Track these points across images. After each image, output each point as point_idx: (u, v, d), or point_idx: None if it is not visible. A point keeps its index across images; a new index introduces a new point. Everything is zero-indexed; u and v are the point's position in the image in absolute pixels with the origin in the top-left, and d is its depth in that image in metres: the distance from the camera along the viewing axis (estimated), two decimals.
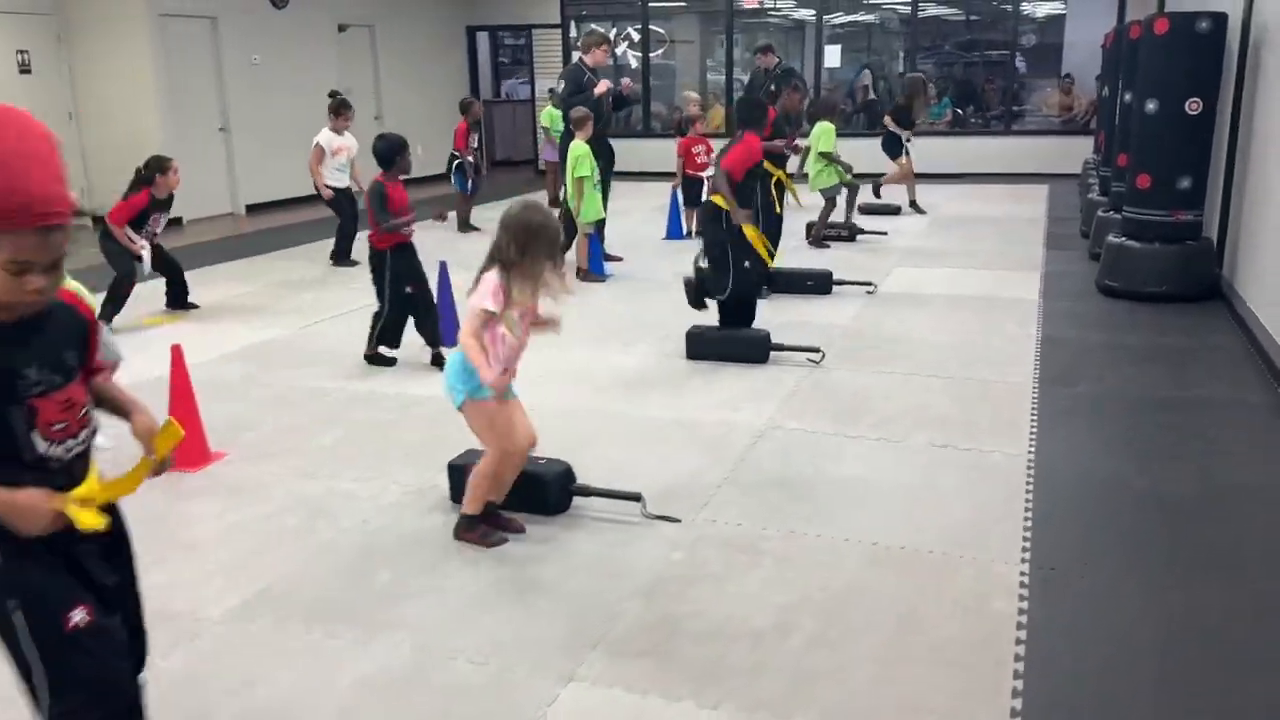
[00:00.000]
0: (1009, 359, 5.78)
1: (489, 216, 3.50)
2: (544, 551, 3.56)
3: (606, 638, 3.00)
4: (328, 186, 8.86)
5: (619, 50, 16.22)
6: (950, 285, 7.74)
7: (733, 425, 4.79)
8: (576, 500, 3.88)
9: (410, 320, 5.82)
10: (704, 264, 6.10)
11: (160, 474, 2.06)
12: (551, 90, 12.05)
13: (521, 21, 16.98)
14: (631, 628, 3.06)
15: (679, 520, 3.75)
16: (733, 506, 3.90)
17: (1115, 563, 3.45)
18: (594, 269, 8.24)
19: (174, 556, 3.60)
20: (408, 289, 5.69)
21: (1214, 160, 7.16)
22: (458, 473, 3.83)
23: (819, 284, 7.51)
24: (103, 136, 11.52)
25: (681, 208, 10.08)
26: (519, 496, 3.77)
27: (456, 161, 10.60)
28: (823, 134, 9.15)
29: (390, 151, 5.62)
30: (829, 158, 9.15)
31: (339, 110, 8.92)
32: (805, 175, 9.30)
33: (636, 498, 3.80)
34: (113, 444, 4.05)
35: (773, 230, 7.41)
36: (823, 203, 9.41)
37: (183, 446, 4.36)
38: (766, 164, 6.61)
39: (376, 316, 5.81)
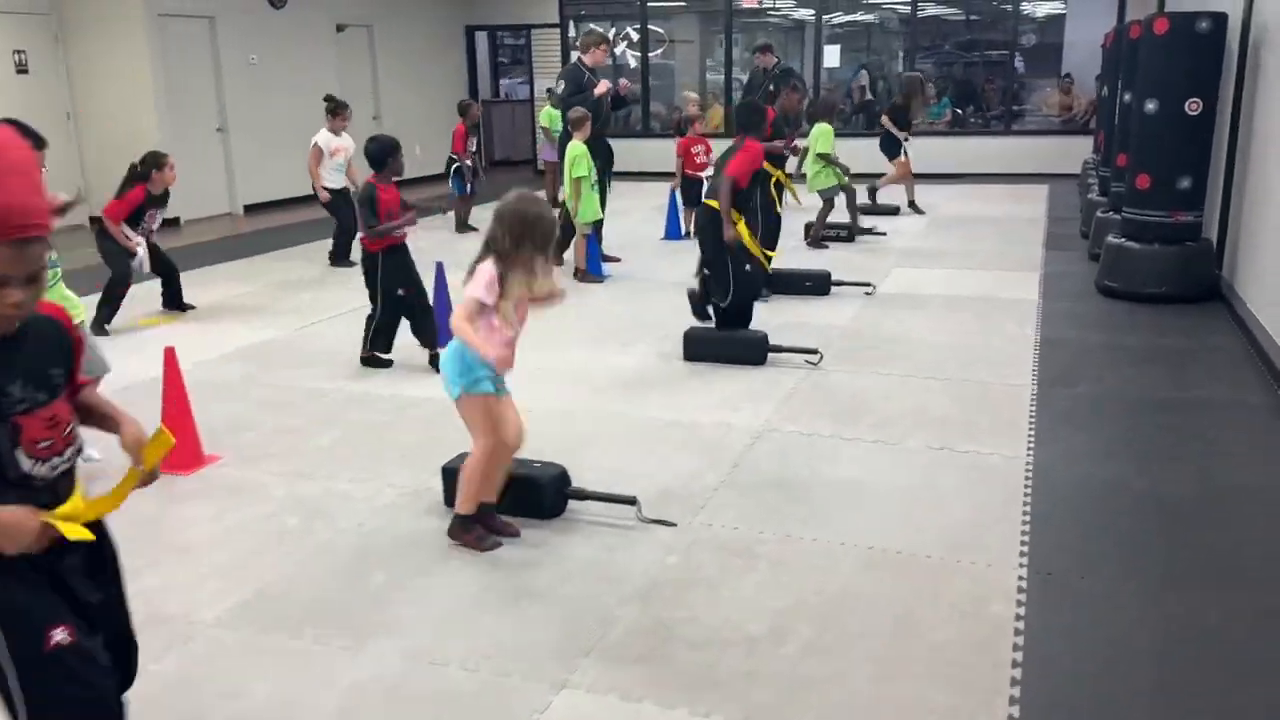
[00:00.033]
0: (1008, 360, 5.76)
1: (487, 217, 3.48)
2: (538, 556, 3.54)
3: (600, 644, 2.98)
4: (324, 188, 8.84)
5: (618, 50, 16.19)
6: (949, 286, 7.72)
7: (730, 427, 4.76)
8: (572, 504, 3.86)
9: (406, 323, 5.80)
10: (706, 272, 6.07)
11: (148, 484, 2.04)
12: (550, 90, 12.03)
13: (520, 21, 16.95)
14: (626, 634, 3.03)
15: (674, 524, 3.73)
16: (729, 509, 3.88)
17: (1114, 566, 3.43)
18: (592, 270, 8.22)
19: (167, 559, 3.58)
20: (400, 292, 5.67)
21: (1214, 161, 7.14)
22: (452, 476, 3.81)
23: (817, 285, 7.49)
24: (100, 137, 11.51)
25: (680, 208, 10.06)
26: (514, 500, 3.75)
27: (455, 165, 10.57)
28: (821, 135, 9.13)
29: (382, 153, 5.59)
30: (827, 159, 9.13)
31: (336, 110, 8.90)
32: (803, 175, 9.28)
33: (632, 501, 3.78)
34: (102, 456, 4.06)
35: (771, 230, 7.39)
36: (821, 203, 9.39)
37: (176, 449, 4.37)
38: (766, 165, 6.59)
39: (370, 319, 5.79)
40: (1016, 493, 3.99)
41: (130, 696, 2.17)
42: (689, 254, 6.65)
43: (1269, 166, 6.26)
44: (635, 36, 16.23)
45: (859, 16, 16.15)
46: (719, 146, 6.66)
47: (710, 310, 6.11)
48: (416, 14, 15.71)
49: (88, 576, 1.99)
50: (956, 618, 3.10)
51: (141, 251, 6.82)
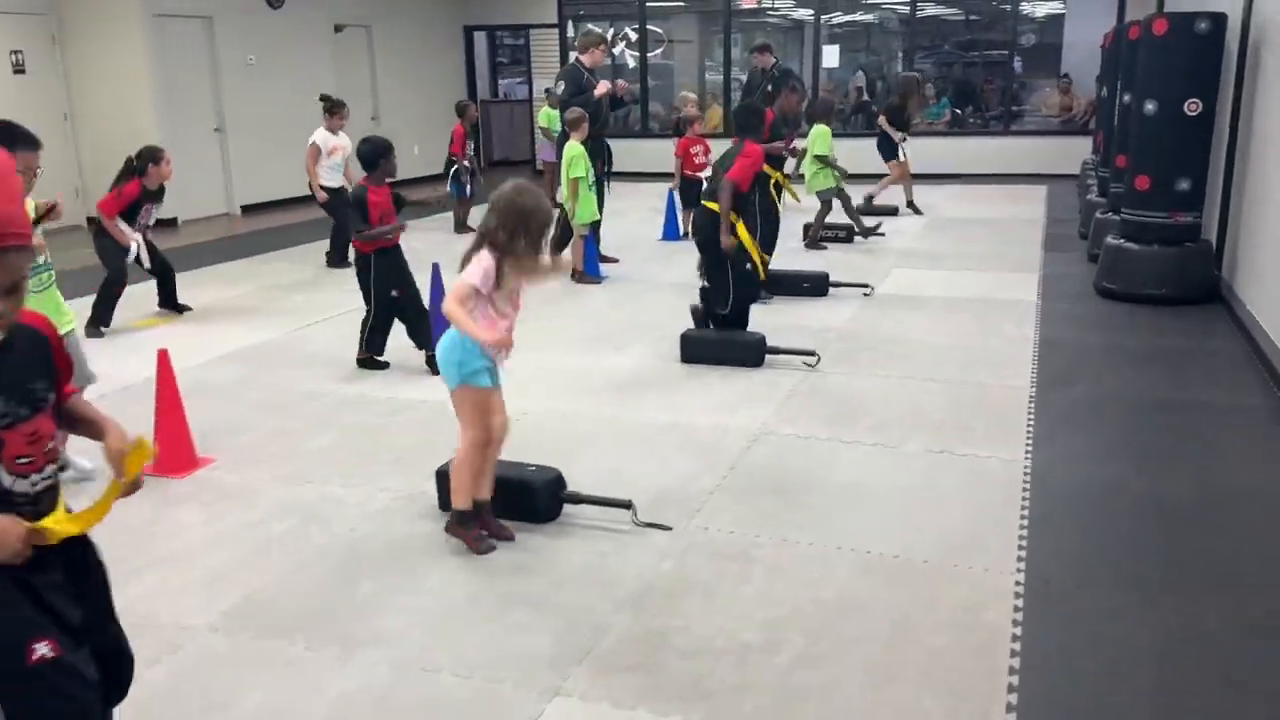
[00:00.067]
0: (1006, 362, 5.74)
1: None
2: (532, 561, 3.51)
3: (594, 651, 2.95)
4: (322, 188, 8.81)
5: (616, 50, 16.16)
6: (948, 287, 7.69)
7: (727, 430, 4.74)
8: (567, 507, 3.83)
9: (401, 326, 5.77)
10: (705, 283, 6.05)
11: (131, 494, 2.01)
12: (548, 90, 12.00)
13: (519, 21, 16.93)
14: (619, 641, 3.01)
15: (670, 528, 3.71)
16: (725, 513, 3.86)
17: (1112, 571, 3.41)
18: (589, 271, 8.19)
19: (158, 565, 3.55)
20: (393, 293, 5.64)
21: (1213, 162, 7.11)
22: (446, 480, 3.78)
23: (815, 286, 7.47)
24: (98, 137, 11.48)
25: (679, 209, 10.03)
26: (509, 504, 3.73)
27: (454, 167, 10.54)
28: (819, 137, 9.10)
29: (374, 154, 5.56)
30: (824, 161, 9.10)
31: (333, 109, 8.87)
32: (801, 176, 9.25)
33: (627, 505, 3.75)
34: (93, 465, 4.03)
35: (770, 235, 7.35)
36: (819, 204, 9.36)
37: (169, 452, 4.37)
38: (765, 166, 6.55)
39: (365, 321, 5.77)
40: (1014, 496, 3.96)
41: (121, 706, 2.15)
42: (687, 255, 6.63)
43: (1268, 167, 6.24)
44: (634, 37, 16.20)
45: (858, 16, 16.13)
46: (718, 147, 6.63)
47: (710, 323, 6.08)
48: (415, 14, 15.68)
49: (70, 589, 1.96)
50: (953, 624, 3.07)
51: (136, 246, 6.78)
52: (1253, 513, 3.88)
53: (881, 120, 11.27)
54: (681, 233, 9.93)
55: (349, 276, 5.89)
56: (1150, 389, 5.31)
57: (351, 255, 6.03)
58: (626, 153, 11.89)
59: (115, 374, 5.75)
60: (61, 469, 1.95)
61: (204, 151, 12.19)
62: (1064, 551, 3.54)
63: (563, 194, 8.14)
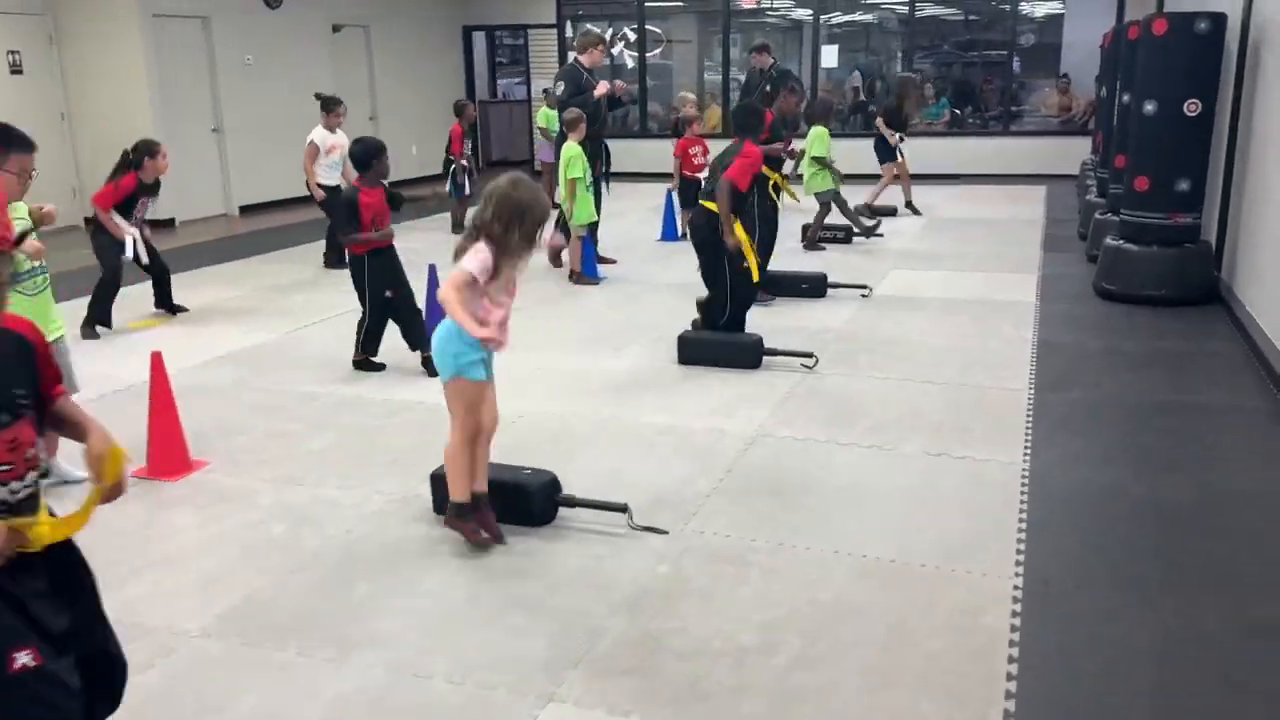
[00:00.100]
0: (1005, 363, 5.72)
1: None
2: (527, 565, 3.49)
3: (589, 656, 2.93)
4: (320, 186, 8.78)
5: (615, 50, 16.14)
6: (946, 288, 7.68)
7: (724, 432, 4.72)
8: (562, 511, 3.81)
9: (396, 326, 5.75)
10: (705, 288, 6.04)
11: (112, 500, 1.99)
12: (546, 90, 11.98)
13: (517, 21, 16.91)
14: (614, 645, 2.99)
15: (666, 532, 3.69)
16: (721, 516, 3.84)
17: (1110, 574, 3.39)
18: (587, 272, 8.17)
19: (151, 569, 3.53)
20: (387, 293, 5.63)
21: (1213, 162, 7.09)
22: (441, 483, 3.76)
23: (814, 287, 7.45)
24: (95, 137, 11.45)
25: (678, 210, 10.00)
26: (504, 507, 3.71)
27: (452, 167, 10.51)
28: (817, 138, 9.07)
29: (367, 155, 5.53)
30: (822, 163, 9.08)
31: (329, 107, 8.84)
32: (800, 177, 9.23)
33: (623, 508, 3.73)
34: (83, 472, 4.01)
35: (768, 239, 7.30)
36: (818, 205, 9.34)
37: (163, 455, 4.35)
38: (763, 168, 6.52)
39: (360, 322, 5.74)
40: (1013, 499, 3.94)
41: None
42: (685, 256, 6.60)
43: (1268, 168, 6.22)
44: (633, 37, 16.18)
45: (857, 17, 16.10)
46: (716, 148, 6.60)
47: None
48: (413, 14, 15.66)
49: (55, 596, 1.94)
50: (951, 627, 3.05)
51: (132, 241, 6.74)
52: (1253, 515, 3.86)
53: (879, 122, 11.25)
54: (680, 233, 9.90)
55: (345, 278, 5.87)
56: (1149, 391, 5.29)
57: (347, 256, 6.00)
58: (625, 153, 11.87)
59: (112, 375, 5.75)
60: (43, 475, 1.93)
61: (202, 152, 12.17)
62: (1062, 554, 3.52)
63: (560, 195, 8.12)
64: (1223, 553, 3.55)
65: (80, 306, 6.70)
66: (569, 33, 16.04)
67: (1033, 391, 5.22)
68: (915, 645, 2.96)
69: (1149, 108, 6.97)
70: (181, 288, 7.54)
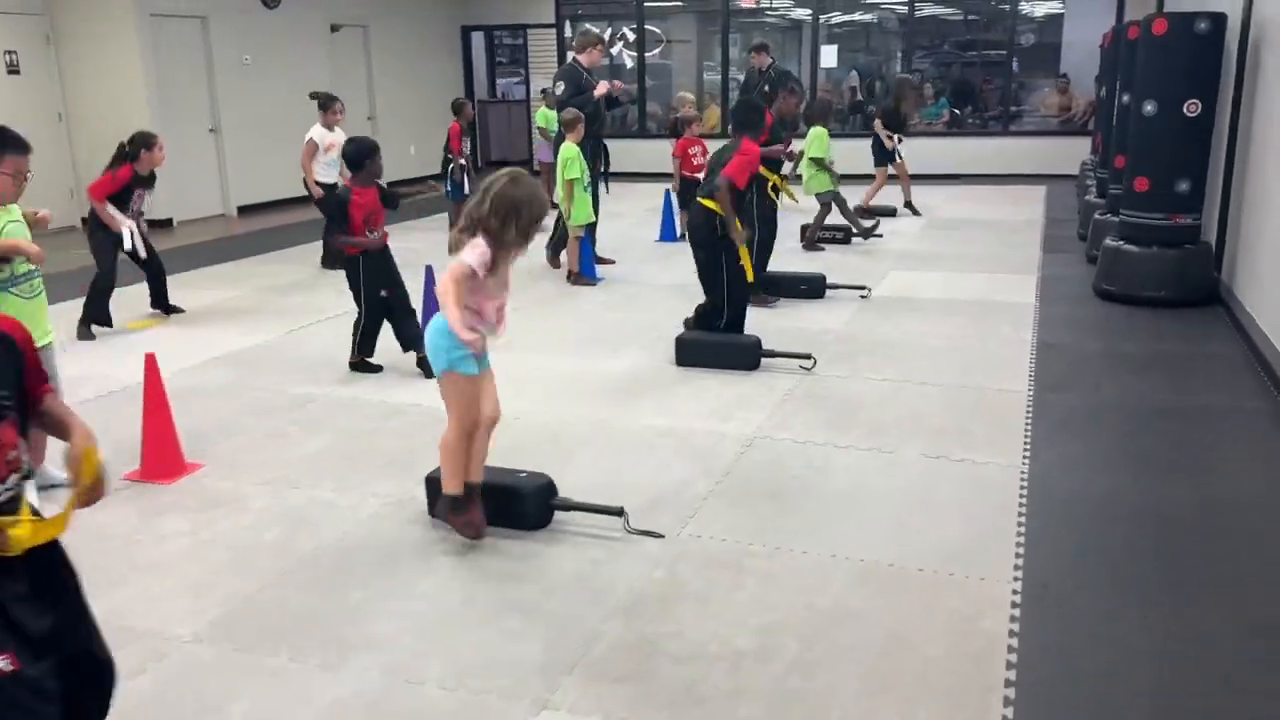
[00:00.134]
0: (1004, 365, 5.69)
1: None
2: (522, 569, 3.47)
3: (584, 661, 2.90)
4: (318, 184, 8.75)
5: (614, 50, 16.12)
6: (945, 289, 7.65)
7: (721, 434, 4.69)
8: (558, 514, 3.78)
9: (390, 326, 5.73)
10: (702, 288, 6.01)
11: (91, 503, 1.97)
12: (545, 90, 11.95)
13: (516, 21, 16.88)
14: (610, 650, 2.96)
15: (662, 536, 3.66)
16: (718, 520, 3.81)
17: (1110, 579, 3.37)
18: (585, 272, 8.15)
19: (143, 573, 3.51)
20: (382, 293, 5.60)
21: (1213, 163, 7.07)
22: (436, 486, 3.74)
23: (812, 288, 7.43)
24: (92, 137, 11.40)
25: (676, 210, 9.98)
26: (499, 511, 3.69)
27: (450, 166, 10.48)
28: (815, 139, 9.05)
29: (360, 155, 5.49)
30: (820, 164, 9.05)
31: (326, 105, 8.81)
32: (799, 177, 9.20)
33: (619, 512, 3.70)
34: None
35: (765, 243, 7.27)
36: (818, 206, 9.32)
37: (156, 458, 4.32)
38: (762, 168, 6.49)
39: (357, 323, 5.72)
40: (1012, 503, 3.92)
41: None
42: (684, 256, 6.57)
43: (1269, 168, 6.20)
44: (632, 36, 16.16)
45: (857, 16, 16.08)
46: (716, 148, 6.56)
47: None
48: (412, 14, 15.63)
49: (36, 599, 1.91)
50: (949, 632, 3.03)
51: (129, 233, 6.70)
52: (1253, 519, 3.84)
53: (876, 124, 11.22)
54: (679, 234, 9.88)
55: (343, 278, 5.84)
56: (1149, 393, 5.27)
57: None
58: (624, 153, 11.85)
59: (107, 376, 5.73)
60: (26, 478, 1.91)
61: (199, 152, 12.14)
62: (1062, 557, 3.50)
63: (558, 195, 8.09)
64: (1223, 555, 3.53)
65: (78, 308, 6.68)
66: (568, 32, 16.01)
67: (1032, 393, 5.20)
68: (913, 650, 2.94)
69: (1149, 108, 6.95)
70: (179, 288, 7.52)
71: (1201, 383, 5.50)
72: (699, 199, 5.97)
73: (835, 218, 9.43)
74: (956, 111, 15.45)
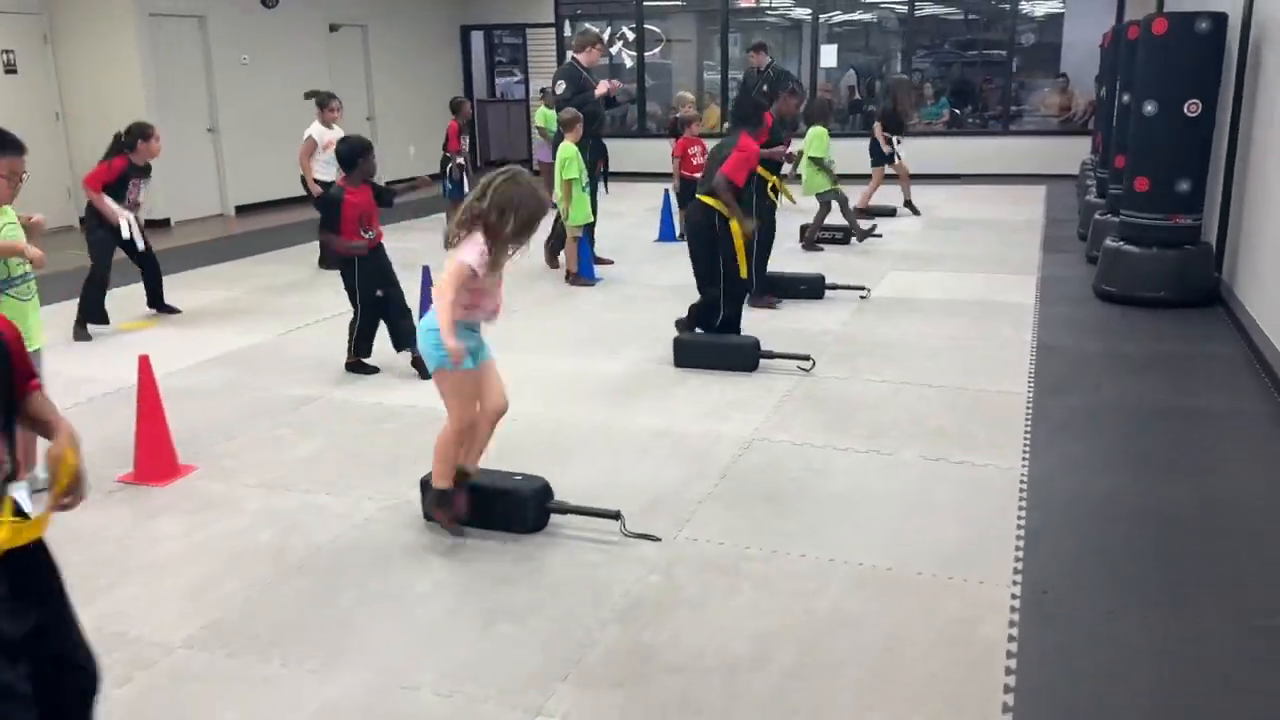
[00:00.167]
0: (1004, 366, 5.66)
1: None
2: (517, 573, 3.44)
3: (578, 667, 2.87)
4: (317, 181, 8.72)
5: (614, 49, 16.09)
6: (945, 290, 7.62)
7: (719, 436, 4.66)
8: (554, 518, 3.75)
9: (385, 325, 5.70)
10: (698, 286, 5.98)
11: (69, 507, 1.94)
12: (544, 90, 11.91)
13: (516, 20, 16.86)
14: (604, 657, 2.93)
15: (659, 539, 3.63)
16: (715, 523, 3.78)
17: (1110, 583, 3.34)
18: (583, 273, 8.12)
19: (134, 578, 3.47)
20: (378, 293, 5.57)
21: (1213, 163, 7.04)
22: (430, 489, 3.71)
23: (811, 288, 7.40)
24: (90, 137, 11.34)
25: (675, 210, 9.95)
26: (495, 513, 3.66)
27: (449, 164, 10.45)
28: (815, 139, 9.02)
29: (352, 154, 5.46)
30: (819, 164, 9.02)
31: (324, 103, 8.79)
32: (798, 177, 9.17)
33: (615, 515, 3.68)
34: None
35: (764, 244, 7.24)
36: (818, 206, 9.29)
37: (149, 460, 4.29)
38: (760, 169, 6.46)
39: (352, 324, 5.69)
40: (1011, 505, 3.89)
41: None
42: (683, 257, 6.54)
43: (1269, 169, 6.17)
44: (631, 36, 16.13)
45: (856, 16, 16.05)
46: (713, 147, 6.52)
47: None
48: (411, 13, 15.61)
49: (14, 602, 1.88)
50: (948, 638, 3.00)
51: (126, 224, 6.66)
52: (1253, 520, 3.81)
53: (876, 128, 11.18)
54: (678, 234, 9.85)
55: (340, 278, 5.80)
56: (1149, 394, 5.24)
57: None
58: (623, 153, 11.84)
59: (101, 377, 5.71)
60: (9, 479, 1.88)
61: (198, 152, 12.11)
62: (1061, 560, 3.47)
63: (556, 195, 8.06)
64: (1223, 555, 3.50)
65: (74, 309, 6.65)
66: (567, 32, 15.99)
67: (1032, 395, 5.17)
68: (912, 656, 2.91)
69: (1149, 108, 6.92)
70: (176, 288, 7.49)
71: (1202, 384, 5.47)
72: (698, 195, 5.93)
73: (835, 218, 9.40)
74: (957, 111, 15.42)
